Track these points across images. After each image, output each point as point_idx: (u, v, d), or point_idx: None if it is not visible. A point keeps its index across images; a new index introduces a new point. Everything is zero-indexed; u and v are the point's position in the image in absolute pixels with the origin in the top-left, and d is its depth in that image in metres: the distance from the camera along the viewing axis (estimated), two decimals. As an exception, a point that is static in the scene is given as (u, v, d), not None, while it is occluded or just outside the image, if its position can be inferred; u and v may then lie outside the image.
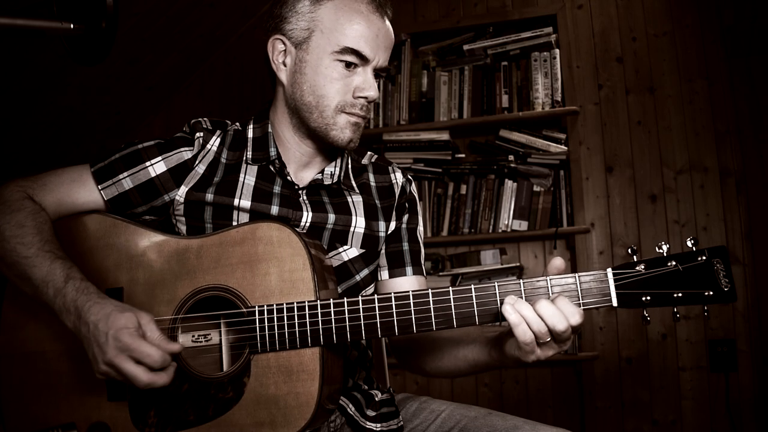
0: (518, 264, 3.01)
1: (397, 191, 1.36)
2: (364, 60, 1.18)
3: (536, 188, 2.95)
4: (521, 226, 2.93)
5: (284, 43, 1.22)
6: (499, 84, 3.04)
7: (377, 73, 1.22)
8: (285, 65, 1.23)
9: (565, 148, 2.94)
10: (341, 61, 1.17)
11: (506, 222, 2.95)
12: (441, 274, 3.02)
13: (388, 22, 1.22)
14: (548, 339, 0.97)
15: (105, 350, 1.02)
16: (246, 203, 1.23)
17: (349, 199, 1.31)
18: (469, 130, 3.13)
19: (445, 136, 3.03)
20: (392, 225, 1.34)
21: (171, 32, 3.07)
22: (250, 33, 3.52)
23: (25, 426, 1.20)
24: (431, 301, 1.05)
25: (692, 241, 1.00)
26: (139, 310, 1.06)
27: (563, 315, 0.96)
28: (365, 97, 1.20)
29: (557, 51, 2.98)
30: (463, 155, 3.11)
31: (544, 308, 0.96)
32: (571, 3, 3.15)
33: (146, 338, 1.03)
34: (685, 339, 2.88)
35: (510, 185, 2.97)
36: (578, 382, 2.97)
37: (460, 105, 3.07)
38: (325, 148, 1.29)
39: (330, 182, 1.28)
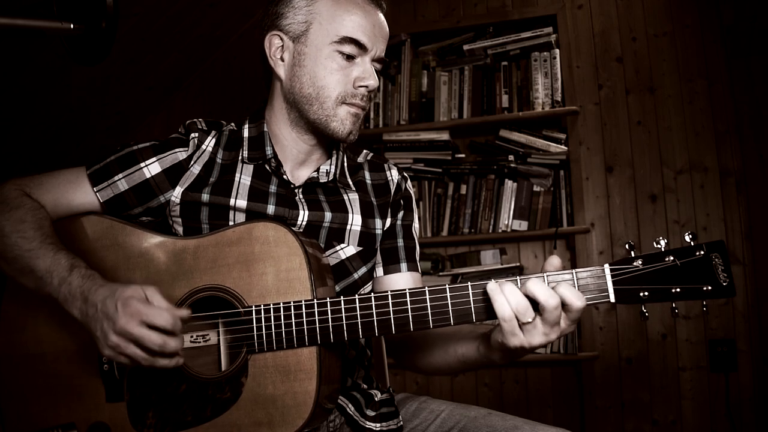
0: (518, 264, 3.00)
1: (393, 188, 1.37)
2: (362, 49, 1.20)
3: (536, 188, 2.95)
4: (521, 226, 2.93)
5: (281, 39, 1.23)
6: (499, 84, 3.04)
7: (375, 64, 1.23)
8: (283, 60, 1.24)
9: (565, 148, 2.94)
10: (340, 52, 1.19)
11: (506, 222, 2.94)
12: (441, 274, 3.02)
13: (382, 15, 1.24)
14: (530, 319, 0.96)
15: (115, 319, 1.02)
16: (242, 203, 1.23)
17: (346, 197, 1.31)
18: (469, 130, 3.13)
19: (445, 136, 3.03)
20: (388, 222, 1.35)
21: (171, 32, 3.07)
22: (250, 33, 3.52)
23: (25, 426, 1.20)
24: (428, 299, 1.04)
25: (690, 236, 0.98)
26: (143, 285, 1.06)
27: (558, 297, 0.94)
28: (366, 86, 1.21)
29: (557, 51, 2.97)
30: (463, 155, 3.11)
31: (534, 286, 0.95)
32: (571, 3, 3.15)
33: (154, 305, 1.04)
34: (685, 339, 2.88)
35: (510, 185, 2.96)
36: (578, 382, 2.96)
37: (460, 105, 3.07)
38: (324, 141, 1.29)
39: (326, 180, 1.29)
